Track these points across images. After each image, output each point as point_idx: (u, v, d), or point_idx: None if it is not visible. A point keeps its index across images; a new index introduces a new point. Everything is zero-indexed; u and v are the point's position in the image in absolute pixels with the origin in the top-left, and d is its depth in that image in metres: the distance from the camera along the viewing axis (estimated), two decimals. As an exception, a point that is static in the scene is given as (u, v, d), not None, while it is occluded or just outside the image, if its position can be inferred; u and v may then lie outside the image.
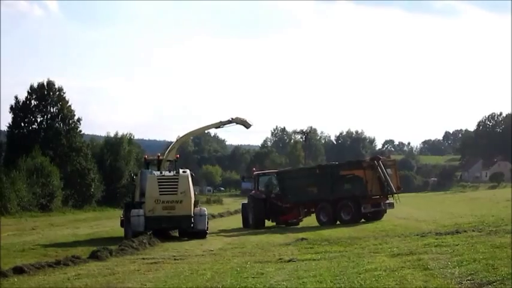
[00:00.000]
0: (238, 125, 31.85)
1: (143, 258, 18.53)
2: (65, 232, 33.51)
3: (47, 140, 65.10)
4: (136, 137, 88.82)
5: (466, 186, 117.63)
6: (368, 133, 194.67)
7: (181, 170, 28.20)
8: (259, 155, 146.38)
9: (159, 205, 26.98)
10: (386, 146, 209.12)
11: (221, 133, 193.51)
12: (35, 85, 66.94)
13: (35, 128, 67.05)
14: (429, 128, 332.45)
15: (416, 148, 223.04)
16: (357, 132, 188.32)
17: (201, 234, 26.97)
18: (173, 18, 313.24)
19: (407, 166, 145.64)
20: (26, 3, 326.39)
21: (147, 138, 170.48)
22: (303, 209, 34.45)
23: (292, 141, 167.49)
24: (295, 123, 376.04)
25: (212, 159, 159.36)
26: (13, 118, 66.12)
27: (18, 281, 14.55)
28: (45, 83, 67.25)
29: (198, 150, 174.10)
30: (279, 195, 35.21)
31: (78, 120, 68.61)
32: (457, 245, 16.15)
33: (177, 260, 17.96)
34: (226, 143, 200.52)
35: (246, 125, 31.77)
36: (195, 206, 27.86)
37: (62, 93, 67.79)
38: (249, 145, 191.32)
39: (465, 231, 20.78)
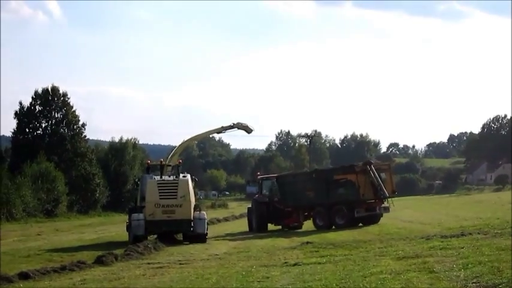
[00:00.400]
0: (240, 130, 32.70)
1: (148, 263, 18.55)
2: (70, 237, 33.60)
3: (52, 145, 65.19)
4: (141, 142, 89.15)
5: (470, 189, 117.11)
6: (373, 136, 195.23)
7: (181, 175, 28.51)
8: (264, 159, 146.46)
9: (159, 209, 27.31)
10: (391, 149, 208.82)
11: (226, 137, 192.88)
12: (40, 91, 67.11)
13: (40, 133, 67.08)
14: (434, 131, 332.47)
15: (421, 151, 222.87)
16: (361, 135, 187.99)
17: (201, 238, 27.25)
18: (176, 22, 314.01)
19: (412, 169, 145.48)
20: (29, 10, 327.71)
21: (151, 143, 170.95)
22: (302, 213, 34.53)
23: (296, 145, 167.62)
24: (299, 127, 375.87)
25: (217, 164, 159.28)
26: (18, 124, 66.21)
27: (23, 286, 14.63)
28: (49, 89, 67.40)
29: (203, 154, 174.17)
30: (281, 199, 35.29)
31: (83, 125, 68.84)
32: (462, 248, 16.11)
33: (183, 264, 17.96)
34: (231, 147, 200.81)
35: (248, 130, 32.66)
36: (195, 210, 28.17)
37: (67, 99, 68.03)
38: (253, 149, 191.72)
39: (470, 234, 20.72)
